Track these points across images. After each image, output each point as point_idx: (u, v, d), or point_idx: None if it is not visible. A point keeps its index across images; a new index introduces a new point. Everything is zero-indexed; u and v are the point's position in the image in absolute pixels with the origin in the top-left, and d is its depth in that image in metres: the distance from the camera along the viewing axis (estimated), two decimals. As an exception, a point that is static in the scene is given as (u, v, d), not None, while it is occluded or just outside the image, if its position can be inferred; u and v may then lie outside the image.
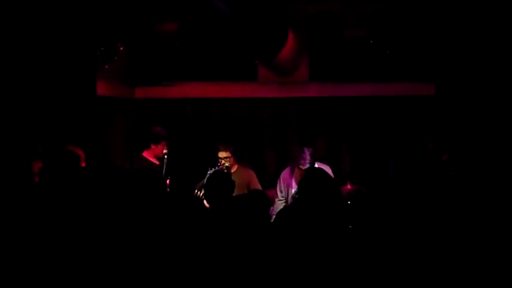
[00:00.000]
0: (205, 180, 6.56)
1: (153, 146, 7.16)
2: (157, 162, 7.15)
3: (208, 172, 6.80)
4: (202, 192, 6.54)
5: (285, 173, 7.03)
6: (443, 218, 4.44)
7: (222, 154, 7.09)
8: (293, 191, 6.66)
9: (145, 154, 7.23)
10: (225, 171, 6.85)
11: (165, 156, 7.12)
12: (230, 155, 7.11)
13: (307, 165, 6.62)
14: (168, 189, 6.85)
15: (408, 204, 4.28)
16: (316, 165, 6.91)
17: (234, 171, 7.05)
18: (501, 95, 7.71)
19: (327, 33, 8.26)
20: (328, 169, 7.01)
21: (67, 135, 7.02)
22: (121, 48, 7.57)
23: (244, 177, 7.01)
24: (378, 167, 8.89)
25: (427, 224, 4.19)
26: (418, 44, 8.01)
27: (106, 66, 7.64)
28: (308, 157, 6.66)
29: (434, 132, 7.55)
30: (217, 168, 6.91)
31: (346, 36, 8.07)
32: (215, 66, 8.84)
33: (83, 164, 5.88)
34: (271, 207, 6.64)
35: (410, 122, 8.70)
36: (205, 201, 6.71)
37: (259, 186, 7.08)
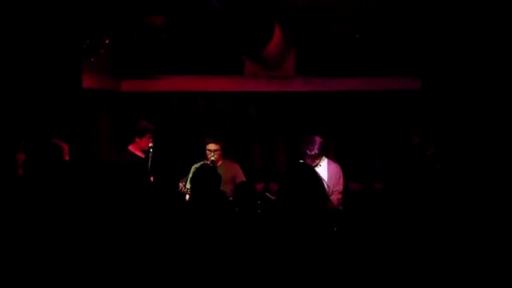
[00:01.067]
0: (190, 174, 6.59)
1: (137, 140, 7.16)
2: (142, 156, 7.14)
3: (194, 166, 6.81)
4: (187, 186, 6.55)
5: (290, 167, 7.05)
6: (430, 213, 4.45)
7: (211, 147, 7.10)
8: None
9: (130, 148, 7.23)
10: (211, 165, 6.85)
11: (151, 150, 7.12)
12: (219, 148, 7.13)
13: (314, 152, 6.74)
14: (152, 184, 6.86)
15: (395, 200, 4.29)
16: (326, 162, 6.98)
17: (219, 165, 7.04)
18: (487, 89, 7.73)
19: (314, 27, 8.26)
20: (338, 168, 7.06)
21: (52, 128, 6.99)
22: (107, 41, 7.53)
23: (229, 171, 7.01)
24: (364, 161, 8.92)
25: (413, 219, 4.20)
26: (404, 39, 8.02)
27: (92, 59, 7.61)
28: (317, 145, 6.76)
29: (421, 127, 7.57)
30: (203, 162, 6.92)
31: (333, 30, 8.06)
32: (202, 59, 8.82)
33: (67, 157, 5.86)
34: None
35: (396, 117, 8.73)
36: (187, 196, 6.75)
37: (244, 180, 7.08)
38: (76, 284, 3.77)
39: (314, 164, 6.89)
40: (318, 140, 6.86)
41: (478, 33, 7.48)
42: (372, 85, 8.80)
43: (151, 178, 6.89)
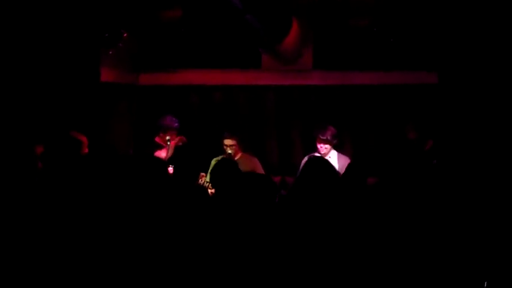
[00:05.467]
0: (210, 167, 6.64)
1: (161, 134, 7.42)
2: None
3: (214, 159, 6.85)
4: (207, 180, 6.58)
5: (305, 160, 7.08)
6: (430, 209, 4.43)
7: (227, 142, 7.15)
8: None
9: (157, 139, 7.46)
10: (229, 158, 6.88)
11: (168, 143, 7.22)
12: (236, 143, 7.16)
13: (326, 137, 6.93)
14: (172, 177, 6.92)
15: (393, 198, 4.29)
16: (336, 155, 7.03)
17: (238, 159, 7.07)
18: (506, 84, 7.68)
19: (331, 21, 8.25)
20: (348, 161, 7.08)
21: (71, 121, 7.05)
22: (125, 35, 7.58)
23: (248, 165, 7.03)
24: (381, 155, 8.87)
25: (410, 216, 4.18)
26: (421, 32, 7.98)
27: (110, 53, 7.66)
28: (330, 131, 6.85)
29: (417, 121, 7.52)
30: (223, 156, 6.96)
31: (350, 24, 8.05)
32: (219, 53, 8.83)
33: (86, 150, 5.91)
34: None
35: (413, 111, 8.65)
36: (209, 190, 6.77)
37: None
38: (98, 278, 3.81)
39: (324, 151, 6.94)
40: (331, 127, 7.06)
41: (496, 26, 7.43)
42: (389, 79, 8.75)
43: (171, 171, 6.98)
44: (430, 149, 7.26)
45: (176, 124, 7.44)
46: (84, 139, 5.97)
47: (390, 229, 3.98)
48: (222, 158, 6.44)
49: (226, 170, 5.39)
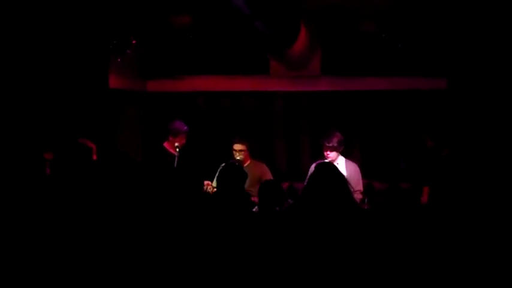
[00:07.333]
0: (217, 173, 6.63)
1: (171, 138, 7.41)
2: (175, 153, 7.32)
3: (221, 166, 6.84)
4: (214, 185, 6.58)
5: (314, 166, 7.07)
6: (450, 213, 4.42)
7: (237, 147, 7.15)
8: None
9: (165, 145, 7.47)
10: (237, 164, 6.87)
11: (177, 149, 7.23)
12: (245, 148, 7.16)
13: (332, 144, 6.90)
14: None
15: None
16: (344, 161, 7.02)
17: (247, 165, 7.07)
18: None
19: (340, 27, 8.24)
20: (357, 168, 7.09)
21: (79, 128, 7.07)
22: (133, 42, 7.59)
23: (256, 171, 7.02)
24: (390, 160, 8.85)
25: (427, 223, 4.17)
26: (430, 38, 7.96)
27: (118, 60, 7.67)
28: (336, 138, 6.84)
29: (434, 129, 7.49)
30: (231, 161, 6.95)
31: (358, 30, 8.04)
32: (227, 59, 8.82)
33: (95, 157, 5.92)
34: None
35: (421, 117, 8.63)
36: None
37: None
38: (107, 281, 3.81)
39: (330, 158, 6.93)
40: (337, 134, 7.01)
41: (506, 32, 7.41)
42: (398, 84, 8.74)
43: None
44: (448, 154, 7.22)
45: (185, 128, 7.45)
46: (92, 146, 5.99)
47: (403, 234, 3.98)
48: (228, 163, 6.44)
49: (232, 175, 5.39)
